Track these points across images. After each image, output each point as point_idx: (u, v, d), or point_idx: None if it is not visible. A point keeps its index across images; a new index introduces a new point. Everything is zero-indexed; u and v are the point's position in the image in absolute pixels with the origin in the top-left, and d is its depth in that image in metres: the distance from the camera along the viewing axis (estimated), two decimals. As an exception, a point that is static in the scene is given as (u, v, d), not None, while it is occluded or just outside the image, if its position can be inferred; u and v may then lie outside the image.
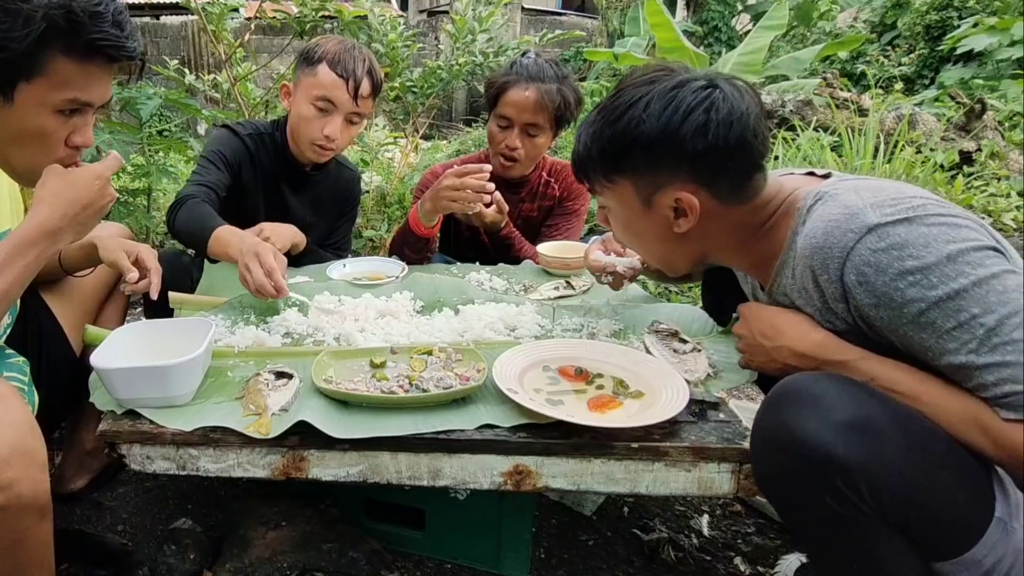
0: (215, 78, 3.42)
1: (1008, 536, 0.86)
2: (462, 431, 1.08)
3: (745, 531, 1.58)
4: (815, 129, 4.45)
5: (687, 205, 1.04)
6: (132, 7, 11.12)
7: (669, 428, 1.08)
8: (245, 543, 1.31)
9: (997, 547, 0.86)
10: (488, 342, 1.39)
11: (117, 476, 1.66)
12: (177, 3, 7.57)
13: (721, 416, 1.14)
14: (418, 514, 1.39)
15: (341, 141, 1.79)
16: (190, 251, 1.78)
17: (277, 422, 1.08)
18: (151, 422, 1.10)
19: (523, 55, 1.98)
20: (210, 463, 1.10)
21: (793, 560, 1.35)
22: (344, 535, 1.34)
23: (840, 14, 10.26)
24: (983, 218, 3.37)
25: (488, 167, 1.75)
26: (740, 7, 11.20)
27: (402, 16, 9.36)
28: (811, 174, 1.13)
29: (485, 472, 1.09)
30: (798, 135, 4.11)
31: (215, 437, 1.09)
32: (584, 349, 1.32)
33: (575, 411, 1.10)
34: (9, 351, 1.27)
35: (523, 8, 12.90)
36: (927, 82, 7.83)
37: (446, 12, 10.91)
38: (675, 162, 1.02)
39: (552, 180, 2.14)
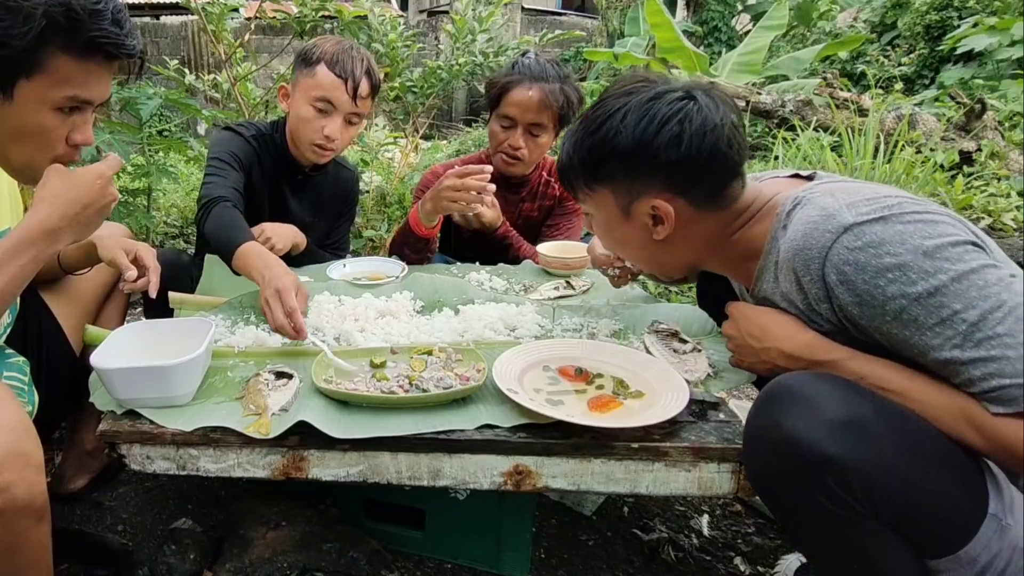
0: (215, 78, 3.42)
1: (1003, 532, 0.86)
2: (462, 431, 1.08)
3: (745, 531, 1.58)
4: (815, 129, 4.45)
5: (663, 213, 1.07)
6: (132, 7, 11.12)
7: (669, 428, 1.08)
8: (245, 543, 1.31)
9: (992, 544, 0.86)
10: (488, 342, 1.39)
11: (117, 476, 1.66)
12: (177, 3, 7.57)
13: (721, 416, 1.14)
14: (418, 514, 1.39)
15: (341, 142, 1.79)
16: (190, 251, 1.77)
17: (277, 422, 1.08)
18: (151, 422, 1.10)
19: (523, 55, 1.99)
20: (210, 463, 1.10)
21: (793, 560, 1.35)
22: (344, 535, 1.34)
23: (840, 14, 10.26)
24: (983, 218, 3.38)
25: (489, 168, 1.75)
26: (740, 7, 11.20)
27: (402, 16, 9.36)
28: (796, 176, 1.15)
29: (485, 472, 1.09)
30: (798, 135, 4.11)
31: (215, 437, 1.09)
32: (584, 349, 1.32)
33: (575, 411, 1.11)
34: (9, 351, 1.27)
35: (523, 8, 12.91)
36: (927, 82, 7.83)
37: (446, 12, 10.92)
38: (650, 171, 1.05)
39: (552, 180, 2.14)
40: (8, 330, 1.29)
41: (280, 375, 1.21)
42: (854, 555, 0.89)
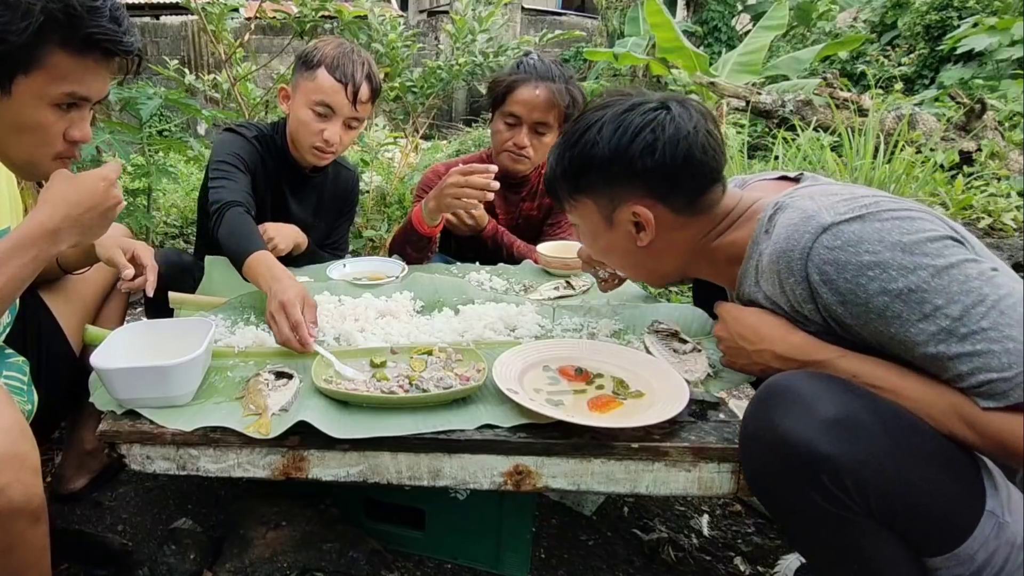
0: (215, 78, 3.42)
1: (1001, 529, 0.86)
2: (462, 431, 1.08)
3: (745, 531, 1.58)
4: (815, 129, 4.45)
5: (644, 219, 1.10)
6: (132, 7, 11.13)
7: (669, 428, 1.08)
8: (245, 543, 1.31)
9: (990, 541, 0.86)
10: (488, 342, 1.39)
11: (117, 476, 1.66)
12: (177, 3, 7.57)
13: (721, 416, 1.14)
14: (418, 514, 1.39)
15: (340, 145, 1.79)
16: (189, 250, 1.77)
17: (277, 422, 1.08)
18: (151, 422, 1.10)
19: (526, 55, 1.99)
20: (210, 463, 1.10)
21: (793, 560, 1.35)
22: (344, 535, 1.34)
23: (840, 14, 10.26)
24: (983, 218, 3.38)
25: (494, 168, 1.74)
26: (740, 7, 11.20)
27: (402, 16, 9.36)
28: (784, 178, 1.18)
29: (485, 472, 1.09)
30: (798, 135, 4.11)
31: (215, 437, 1.09)
32: (584, 349, 1.32)
33: (575, 411, 1.10)
34: (9, 351, 1.27)
35: (523, 8, 12.91)
36: (927, 82, 7.84)
37: (446, 12, 10.91)
38: (628, 179, 1.09)
39: None
40: (7, 330, 1.29)
41: (280, 375, 1.21)
42: (851, 554, 0.89)
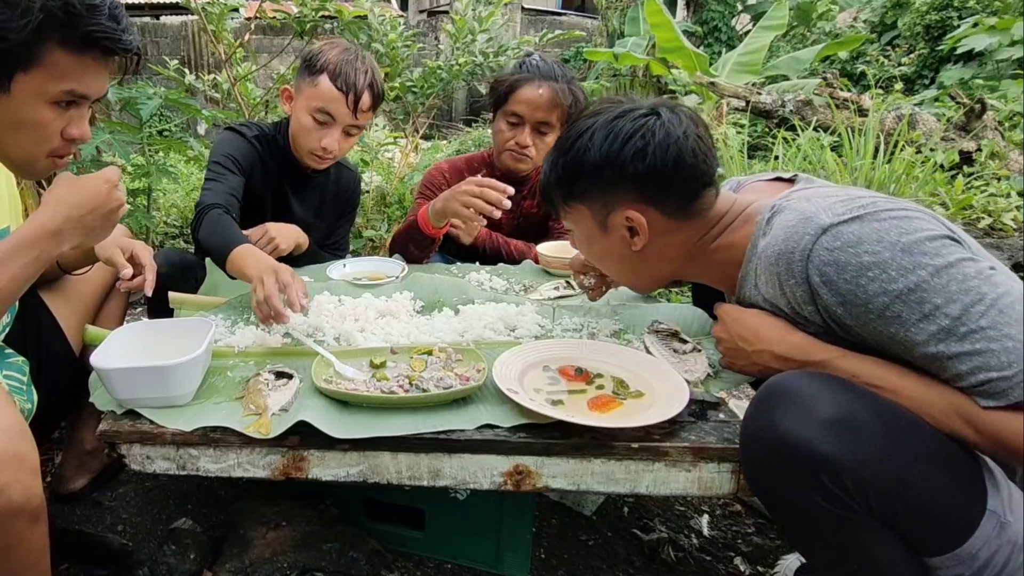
0: (215, 78, 3.42)
1: (1002, 529, 0.86)
2: (462, 431, 1.08)
3: (745, 531, 1.58)
4: (815, 129, 4.45)
5: (637, 223, 1.11)
6: (132, 7, 11.13)
7: (669, 428, 1.08)
8: (245, 543, 1.31)
9: (991, 540, 0.86)
10: (488, 342, 1.39)
11: (117, 476, 1.66)
12: (177, 3, 7.57)
13: (721, 416, 1.14)
14: (418, 514, 1.39)
15: (338, 152, 1.79)
16: (190, 250, 1.77)
17: (277, 422, 1.08)
18: (151, 422, 1.10)
19: (528, 56, 1.99)
20: (210, 463, 1.10)
21: (793, 560, 1.35)
22: (344, 535, 1.34)
23: (840, 14, 10.26)
24: (983, 218, 3.38)
25: (511, 189, 1.68)
26: (740, 7, 11.20)
27: (402, 16, 9.36)
28: (777, 179, 1.19)
29: (485, 472, 1.09)
30: (798, 135, 4.11)
31: (215, 437, 1.09)
32: (584, 349, 1.32)
33: (575, 411, 1.10)
34: (8, 350, 1.27)
35: (523, 8, 12.91)
36: (927, 82, 7.84)
37: (446, 12, 10.92)
38: (620, 184, 1.10)
39: None
40: (7, 329, 1.29)
41: (280, 375, 1.21)
42: (851, 554, 0.89)
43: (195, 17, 3.27)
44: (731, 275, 1.13)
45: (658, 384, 1.18)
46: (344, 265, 1.85)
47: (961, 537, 0.86)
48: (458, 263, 2.02)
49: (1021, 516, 0.88)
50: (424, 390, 1.14)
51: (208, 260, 1.75)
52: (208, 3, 3.02)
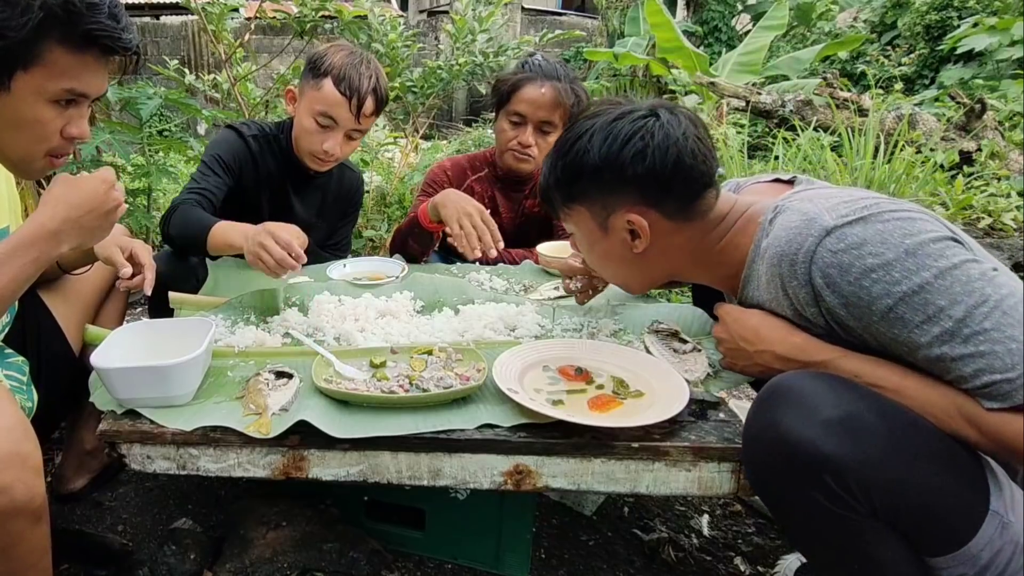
0: (215, 78, 3.41)
1: (1005, 529, 0.86)
2: (462, 431, 1.08)
3: (745, 531, 1.58)
4: (815, 129, 4.45)
5: (638, 225, 1.11)
6: (132, 7, 11.13)
7: (669, 428, 1.08)
8: (245, 543, 1.31)
9: (994, 541, 0.86)
10: (488, 342, 1.39)
11: (117, 476, 1.66)
12: (177, 3, 7.57)
13: (721, 416, 1.14)
14: (418, 514, 1.39)
15: (340, 155, 1.79)
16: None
17: (277, 422, 1.08)
18: (151, 422, 1.10)
19: (531, 56, 1.99)
20: (210, 463, 1.10)
21: (793, 560, 1.35)
22: (344, 535, 1.34)
23: (840, 14, 10.26)
24: (983, 218, 3.38)
25: (501, 245, 1.70)
26: (740, 7, 11.20)
27: (402, 16, 9.36)
28: (776, 180, 1.18)
29: (485, 472, 1.09)
30: (798, 135, 4.11)
31: (215, 437, 1.09)
32: (584, 349, 1.32)
33: (575, 411, 1.10)
34: (8, 350, 1.27)
35: (523, 8, 12.91)
36: (927, 82, 7.84)
37: (446, 12, 10.92)
38: (620, 186, 1.10)
39: None
40: (7, 329, 1.29)
41: (280, 375, 1.21)
42: (853, 554, 0.89)
43: (195, 17, 3.27)
44: (733, 276, 1.12)
45: (658, 384, 1.18)
46: (344, 265, 1.85)
47: (964, 537, 0.86)
48: (458, 263, 2.02)
49: (1023, 516, 0.88)
50: (424, 390, 1.14)
51: (208, 260, 1.76)
52: (208, 3, 3.01)
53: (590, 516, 1.59)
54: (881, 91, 6.46)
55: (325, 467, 1.09)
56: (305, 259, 1.39)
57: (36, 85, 1.00)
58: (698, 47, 8.79)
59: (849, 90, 5.76)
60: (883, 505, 0.84)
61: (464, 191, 2.11)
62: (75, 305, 1.48)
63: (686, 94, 6.41)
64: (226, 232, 1.52)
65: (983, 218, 3.40)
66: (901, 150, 3.51)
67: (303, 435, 1.07)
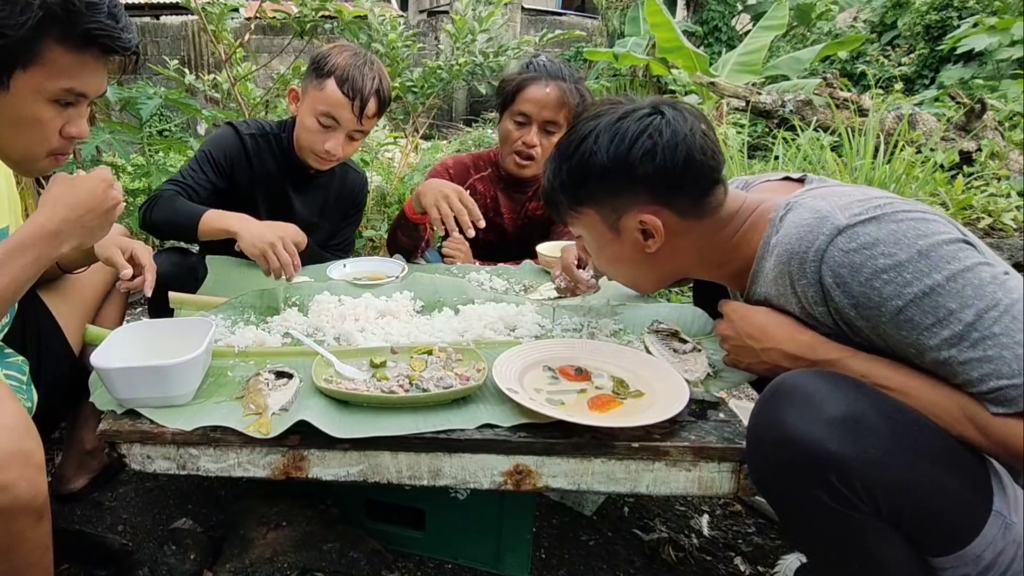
0: (215, 78, 3.41)
1: (1007, 530, 0.86)
2: (462, 431, 1.08)
3: (745, 531, 1.58)
4: (815, 129, 4.45)
5: (652, 225, 1.09)
6: (132, 7, 11.13)
7: (669, 428, 1.08)
8: (245, 543, 1.31)
9: (996, 541, 0.86)
10: (488, 342, 1.39)
11: (117, 476, 1.66)
12: (177, 3, 7.57)
13: (721, 416, 1.14)
14: (418, 514, 1.39)
15: (341, 155, 1.79)
16: (193, 248, 1.79)
17: (277, 422, 1.08)
18: (151, 422, 1.10)
19: (535, 56, 2.00)
20: (210, 463, 1.10)
21: (793, 560, 1.35)
22: (344, 535, 1.34)
23: (840, 14, 10.26)
24: (983, 218, 3.38)
25: (482, 223, 1.71)
26: (740, 7, 11.19)
27: (402, 16, 9.36)
28: (787, 178, 1.17)
29: (485, 472, 1.09)
30: (798, 135, 4.11)
31: (215, 437, 1.09)
32: (584, 349, 1.32)
33: (575, 411, 1.10)
34: (8, 350, 1.27)
35: (523, 8, 12.90)
36: (927, 82, 7.83)
37: (446, 12, 10.92)
38: (630, 186, 1.07)
39: None
40: (7, 329, 1.29)
41: (280, 375, 1.21)
42: (856, 554, 0.89)
43: (195, 17, 3.27)
44: (743, 273, 1.11)
45: (658, 384, 1.18)
46: (344, 265, 1.85)
47: (967, 537, 0.86)
48: (458, 263, 2.02)
49: None
50: (424, 390, 1.14)
51: (209, 260, 1.76)
52: (208, 3, 3.01)
53: (590, 516, 1.59)
54: (881, 91, 6.46)
55: (325, 467, 1.09)
56: (301, 268, 1.49)
57: (35, 84, 1.00)
58: (698, 47, 8.79)
59: (849, 90, 5.77)
60: (887, 505, 0.84)
61: (466, 190, 2.11)
62: (75, 305, 1.48)
63: (686, 94, 6.41)
64: (223, 217, 1.60)
65: (983, 218, 3.40)
66: (901, 150, 3.51)
67: (303, 435, 1.07)
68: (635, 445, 1.06)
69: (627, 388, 1.19)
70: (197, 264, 1.74)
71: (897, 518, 0.85)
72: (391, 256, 2.04)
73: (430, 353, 1.29)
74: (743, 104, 5.37)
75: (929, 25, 8.27)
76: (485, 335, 1.42)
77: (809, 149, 3.88)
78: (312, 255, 1.91)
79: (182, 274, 1.66)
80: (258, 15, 3.24)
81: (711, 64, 7.44)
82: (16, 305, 1.29)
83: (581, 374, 1.24)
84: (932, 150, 3.96)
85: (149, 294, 1.34)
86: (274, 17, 3.13)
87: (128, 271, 1.31)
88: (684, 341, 1.36)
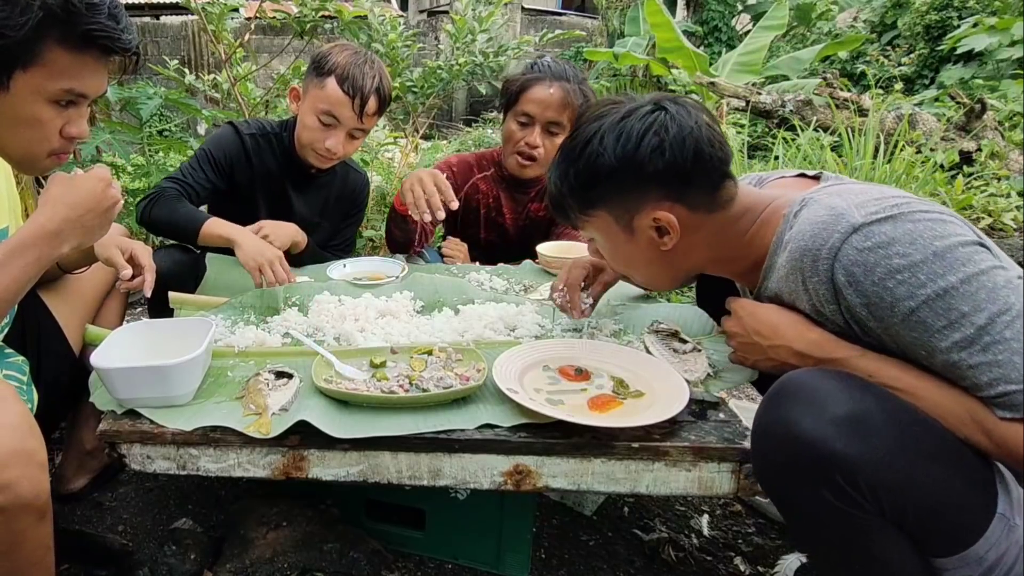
0: (215, 78, 3.41)
1: (1010, 532, 0.86)
2: (462, 431, 1.08)
3: (745, 531, 1.58)
4: (815, 129, 4.45)
5: (666, 222, 1.08)
6: (132, 7, 11.13)
7: (669, 428, 1.08)
8: (245, 543, 1.31)
9: (999, 543, 0.86)
10: (488, 342, 1.39)
11: (117, 476, 1.65)
12: (177, 3, 7.57)
13: (721, 416, 1.14)
14: (418, 514, 1.39)
15: (342, 153, 1.80)
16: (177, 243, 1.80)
17: (277, 422, 1.08)
18: (151, 422, 1.10)
19: (540, 57, 2.00)
20: (210, 463, 1.10)
21: (793, 560, 1.35)
22: (345, 535, 1.34)
23: (840, 14, 10.26)
24: (983, 218, 3.38)
25: (454, 206, 1.67)
26: (740, 7, 11.19)
27: (402, 16, 9.36)
28: (802, 175, 1.16)
29: (485, 472, 1.09)
30: (798, 135, 4.11)
31: (215, 437, 1.09)
32: (584, 349, 1.32)
33: (575, 411, 1.10)
34: (8, 350, 1.27)
35: (523, 8, 12.90)
36: (927, 82, 7.83)
37: (446, 12, 10.92)
38: (642, 184, 1.07)
39: None
40: (7, 329, 1.29)
41: (280, 375, 1.21)
42: (858, 553, 0.89)
43: (195, 17, 3.26)
44: (756, 269, 1.10)
45: (658, 384, 1.18)
46: (344, 265, 1.85)
47: (971, 539, 0.86)
48: (458, 263, 2.02)
49: None
50: (424, 390, 1.14)
51: (208, 258, 1.76)
52: (208, 3, 3.01)
53: (590, 516, 1.59)
54: (881, 91, 6.46)
55: (325, 467, 1.09)
56: (295, 279, 1.55)
57: (35, 85, 1.00)
58: (698, 47, 8.79)
59: (849, 90, 5.77)
60: (891, 504, 0.84)
61: (469, 189, 2.12)
62: (75, 305, 1.48)
63: (686, 94, 6.40)
64: (224, 226, 1.63)
65: (983, 218, 3.40)
66: (901, 150, 3.51)
67: (303, 435, 1.07)
68: (635, 445, 1.06)
69: (627, 388, 1.19)
70: (197, 262, 1.75)
71: (901, 518, 0.85)
72: (392, 253, 2.04)
73: (430, 353, 1.29)
74: (743, 104, 5.37)
75: (929, 25, 8.27)
76: (485, 335, 1.42)
77: (809, 149, 3.88)
78: (312, 255, 1.92)
79: (182, 272, 1.66)
80: (258, 15, 3.24)
81: (711, 64, 7.44)
82: (16, 305, 1.29)
83: (581, 374, 1.24)
84: (932, 150, 3.96)
85: (149, 294, 1.34)
86: (274, 17, 3.13)
87: (128, 271, 1.31)
88: (684, 341, 1.36)
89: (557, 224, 2.14)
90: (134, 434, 1.09)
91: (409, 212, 1.72)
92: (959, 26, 7.23)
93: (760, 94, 5.50)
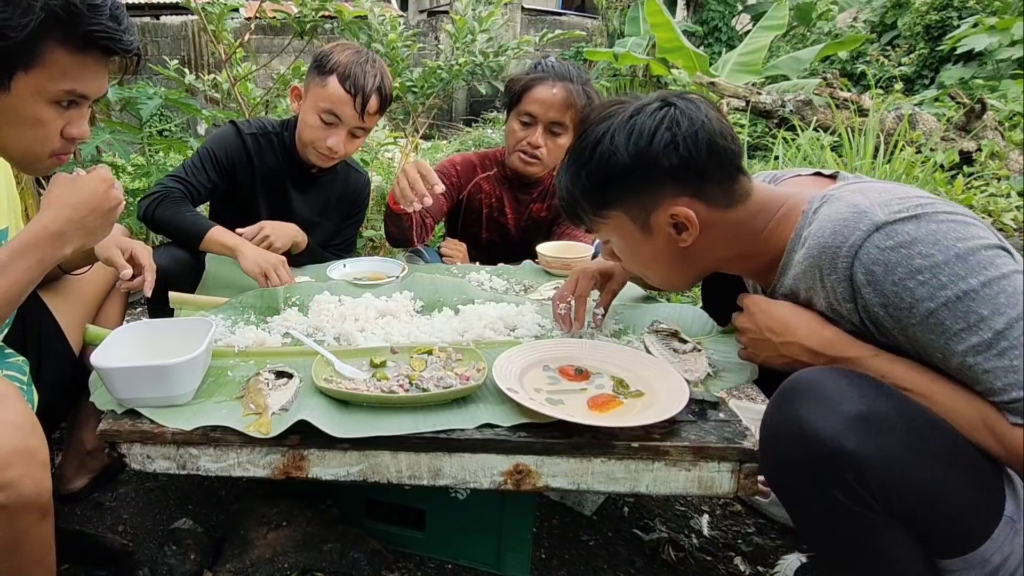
0: (215, 78, 3.41)
1: (1016, 535, 0.86)
2: (462, 431, 1.08)
3: (745, 531, 1.58)
4: (815, 129, 4.45)
5: (684, 218, 1.06)
6: (132, 7, 11.12)
7: (669, 428, 1.08)
8: (246, 543, 1.31)
9: (1005, 545, 0.86)
10: (488, 342, 1.39)
11: (117, 476, 1.65)
12: (177, 3, 7.57)
13: (721, 416, 1.14)
14: (418, 514, 1.39)
15: (343, 152, 1.80)
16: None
17: (277, 421, 1.08)
18: (151, 421, 1.10)
19: (544, 57, 2.00)
20: (210, 462, 1.10)
21: (793, 560, 1.35)
22: (345, 535, 1.34)
23: (840, 14, 10.26)
24: (983, 218, 3.38)
25: (439, 188, 1.64)
26: (740, 7, 11.19)
27: (402, 16, 9.36)
28: (818, 174, 1.15)
29: (485, 472, 1.09)
30: (798, 135, 4.11)
31: (215, 436, 1.09)
32: (584, 349, 1.32)
33: (575, 410, 1.11)
34: (8, 350, 1.27)
35: (523, 8, 12.90)
36: (927, 82, 7.83)
37: (446, 12, 10.91)
38: (657, 182, 1.06)
39: None
40: (7, 329, 1.29)
41: (280, 374, 1.21)
42: (866, 552, 0.88)
43: (195, 17, 3.27)
44: (772, 265, 1.09)
45: (658, 384, 1.18)
46: (344, 265, 1.85)
47: (977, 540, 0.86)
48: (458, 263, 2.02)
49: None
50: (424, 389, 1.14)
51: (208, 257, 1.76)
52: (208, 3, 3.01)
53: (590, 516, 1.59)
54: (881, 91, 6.46)
55: (325, 467, 1.09)
56: (295, 280, 1.59)
57: (36, 85, 1.00)
58: (698, 47, 8.79)
59: (849, 90, 5.77)
60: (899, 504, 0.83)
61: (472, 188, 2.12)
62: (75, 305, 1.48)
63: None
64: (227, 235, 1.66)
65: (983, 218, 3.40)
66: (901, 150, 3.51)
67: (303, 435, 1.07)
68: (635, 445, 1.06)
69: (627, 388, 1.19)
70: (197, 260, 1.75)
71: (909, 518, 0.85)
72: (394, 247, 2.04)
73: (430, 353, 1.29)
74: (743, 104, 5.37)
75: (929, 25, 8.26)
76: (485, 335, 1.42)
77: (809, 149, 3.89)
78: (312, 255, 1.92)
79: (182, 270, 1.66)
80: (258, 15, 3.24)
81: (711, 64, 7.44)
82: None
83: (581, 374, 1.24)
84: (932, 150, 3.96)
85: (149, 294, 1.34)
86: (274, 17, 3.14)
87: (128, 271, 1.31)
88: (684, 341, 1.36)
89: (558, 224, 2.14)
90: (134, 434, 1.09)
91: (400, 206, 1.72)
92: (959, 26, 7.23)
93: (760, 94, 5.50)
